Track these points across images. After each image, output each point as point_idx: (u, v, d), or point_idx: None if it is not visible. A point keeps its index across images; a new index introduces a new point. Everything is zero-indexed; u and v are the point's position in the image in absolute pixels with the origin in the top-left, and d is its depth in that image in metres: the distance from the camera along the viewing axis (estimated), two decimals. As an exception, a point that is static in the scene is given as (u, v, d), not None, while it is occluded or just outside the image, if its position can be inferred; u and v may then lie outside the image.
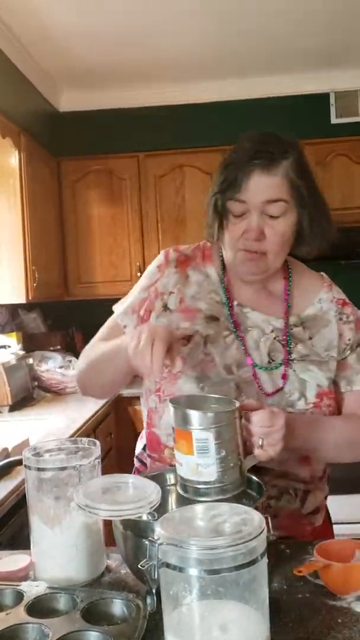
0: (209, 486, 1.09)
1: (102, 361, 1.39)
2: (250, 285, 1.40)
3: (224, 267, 1.42)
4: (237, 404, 1.12)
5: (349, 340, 1.37)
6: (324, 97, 4.03)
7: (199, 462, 1.08)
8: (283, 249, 1.33)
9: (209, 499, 1.09)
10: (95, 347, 1.44)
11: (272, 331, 1.36)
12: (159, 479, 1.20)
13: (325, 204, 1.37)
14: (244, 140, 1.32)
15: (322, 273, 1.47)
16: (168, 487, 1.25)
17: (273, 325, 1.37)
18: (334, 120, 4.04)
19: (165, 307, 1.40)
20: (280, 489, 1.33)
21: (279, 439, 1.14)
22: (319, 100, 4.03)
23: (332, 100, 4.03)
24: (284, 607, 1.02)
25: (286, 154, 1.28)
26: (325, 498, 1.45)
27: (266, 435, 1.14)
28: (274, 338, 1.36)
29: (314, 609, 1.02)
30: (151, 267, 1.45)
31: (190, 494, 1.12)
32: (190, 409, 1.11)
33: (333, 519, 1.53)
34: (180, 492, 1.14)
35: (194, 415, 1.09)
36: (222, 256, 1.41)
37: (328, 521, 1.49)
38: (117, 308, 1.47)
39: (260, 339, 1.36)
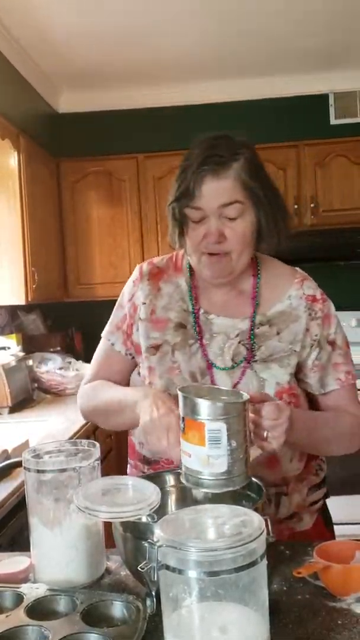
0: (217, 478, 1.07)
1: (106, 411, 1.41)
2: (220, 288, 1.40)
3: (192, 274, 1.42)
4: (247, 396, 1.12)
5: (316, 335, 1.37)
6: (323, 97, 4.03)
7: (210, 454, 1.06)
8: (246, 248, 1.33)
9: (217, 491, 1.08)
10: (98, 391, 1.44)
11: (237, 335, 1.36)
12: (158, 480, 1.20)
13: (282, 201, 1.37)
14: (195, 147, 1.32)
15: (297, 268, 1.45)
16: (168, 489, 1.25)
17: (239, 328, 1.37)
18: (333, 121, 4.03)
19: (139, 318, 1.41)
20: None
21: (283, 432, 1.15)
22: (318, 101, 4.02)
23: (331, 100, 4.02)
24: (284, 609, 1.02)
25: (236, 155, 1.28)
26: (315, 504, 1.44)
27: (272, 428, 1.14)
28: (239, 342, 1.36)
29: (313, 611, 1.02)
30: (128, 283, 1.47)
31: (196, 486, 1.10)
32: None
33: (333, 519, 1.52)
34: (185, 483, 1.12)
35: (206, 405, 1.06)
36: (189, 263, 1.42)
37: (323, 525, 1.47)
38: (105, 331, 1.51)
39: (224, 345, 1.36)
